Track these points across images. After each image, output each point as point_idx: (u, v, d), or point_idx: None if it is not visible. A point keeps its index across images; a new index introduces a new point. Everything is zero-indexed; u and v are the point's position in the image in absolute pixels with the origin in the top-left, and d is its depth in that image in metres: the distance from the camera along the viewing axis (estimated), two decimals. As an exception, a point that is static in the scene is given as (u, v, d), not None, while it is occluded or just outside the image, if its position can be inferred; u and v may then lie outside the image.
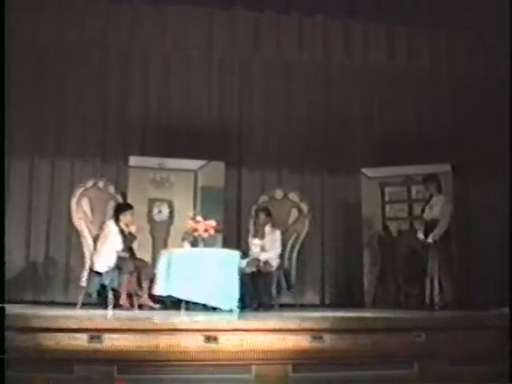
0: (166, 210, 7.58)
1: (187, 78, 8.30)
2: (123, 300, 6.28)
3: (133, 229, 6.62)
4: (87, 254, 6.58)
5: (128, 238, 6.55)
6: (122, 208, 6.71)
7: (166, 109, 8.23)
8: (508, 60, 7.09)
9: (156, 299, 6.35)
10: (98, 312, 5.80)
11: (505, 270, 6.25)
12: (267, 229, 7.05)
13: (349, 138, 8.52)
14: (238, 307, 6.08)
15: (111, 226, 6.52)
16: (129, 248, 6.58)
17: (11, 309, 4.77)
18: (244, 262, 6.69)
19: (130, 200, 7.17)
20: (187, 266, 6.17)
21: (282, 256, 7.02)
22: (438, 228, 6.74)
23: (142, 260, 6.67)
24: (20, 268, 7.52)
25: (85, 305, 6.40)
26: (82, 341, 4.48)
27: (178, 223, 7.33)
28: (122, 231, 6.52)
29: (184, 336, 4.62)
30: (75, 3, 7.49)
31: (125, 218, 6.59)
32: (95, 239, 6.60)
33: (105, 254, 6.39)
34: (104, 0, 7.58)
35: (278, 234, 7.02)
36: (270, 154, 8.38)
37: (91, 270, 6.45)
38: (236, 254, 6.47)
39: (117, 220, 6.56)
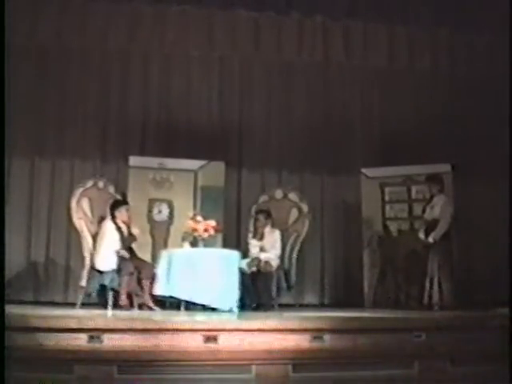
0: (165, 210, 7.58)
1: (187, 78, 8.30)
2: (123, 300, 6.28)
3: (135, 231, 6.60)
4: (87, 254, 6.58)
5: (127, 239, 6.54)
6: (116, 204, 6.71)
7: (166, 109, 8.24)
8: (508, 60, 7.10)
9: (156, 299, 6.35)
10: (98, 312, 5.80)
11: (505, 270, 6.26)
12: (267, 229, 7.05)
13: (349, 138, 8.53)
14: (238, 307, 6.08)
15: (108, 224, 6.53)
16: (129, 248, 6.58)
17: (11, 309, 4.78)
18: (244, 262, 6.69)
19: (130, 200, 7.16)
20: (187, 266, 6.17)
21: (281, 256, 7.02)
22: (439, 228, 6.74)
23: (142, 260, 6.67)
24: (20, 268, 7.52)
25: (85, 305, 6.40)
26: (81, 341, 4.48)
27: (178, 223, 7.32)
28: (119, 228, 6.53)
29: (184, 336, 4.62)
30: (75, 3, 7.49)
31: (120, 214, 6.59)
32: (95, 239, 6.61)
33: (103, 251, 6.40)
34: (104, 0, 7.58)
35: (277, 234, 7.02)
36: (270, 154, 8.39)
37: (91, 270, 6.45)
38: (236, 254, 6.47)
39: (113, 217, 6.57)
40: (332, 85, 8.58)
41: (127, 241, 6.52)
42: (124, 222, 6.61)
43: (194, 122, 8.21)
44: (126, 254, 6.44)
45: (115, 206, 6.67)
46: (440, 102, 8.38)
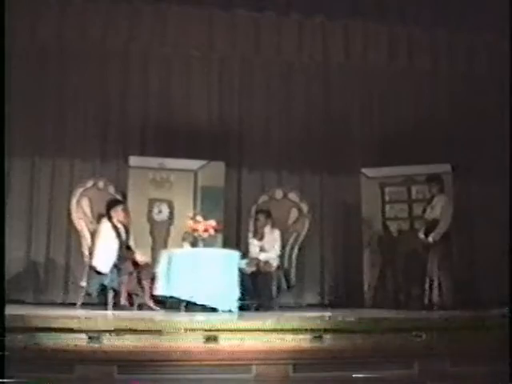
0: (165, 210, 7.58)
1: (187, 78, 8.29)
2: (123, 300, 6.29)
3: (142, 258, 6.56)
4: (87, 254, 6.59)
5: (125, 252, 6.51)
6: (112, 204, 6.72)
7: (166, 109, 8.22)
8: (508, 60, 7.10)
9: (156, 299, 6.35)
10: (98, 312, 5.80)
11: (505, 270, 6.26)
12: (267, 229, 7.05)
13: (349, 139, 8.52)
14: (238, 307, 6.08)
15: (104, 223, 6.55)
16: (127, 247, 6.59)
17: (11, 309, 4.78)
18: (244, 262, 6.69)
19: (129, 200, 7.18)
20: (187, 266, 6.17)
21: (281, 256, 7.02)
22: (439, 228, 6.75)
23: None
24: (20, 268, 7.51)
25: (85, 305, 6.41)
26: (82, 341, 4.48)
27: (178, 223, 7.32)
28: (115, 228, 6.52)
29: (184, 336, 4.62)
30: (75, 3, 7.50)
31: (116, 213, 6.60)
32: (94, 239, 6.62)
33: (99, 251, 6.40)
34: (104, 0, 7.58)
35: (277, 234, 7.02)
36: (270, 154, 8.37)
37: (91, 270, 6.45)
38: (236, 254, 6.47)
39: (109, 217, 6.57)
40: (332, 85, 8.58)
41: (124, 253, 6.49)
42: (121, 222, 6.61)
43: (194, 122, 8.19)
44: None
45: (111, 205, 6.68)
46: (440, 102, 8.39)
